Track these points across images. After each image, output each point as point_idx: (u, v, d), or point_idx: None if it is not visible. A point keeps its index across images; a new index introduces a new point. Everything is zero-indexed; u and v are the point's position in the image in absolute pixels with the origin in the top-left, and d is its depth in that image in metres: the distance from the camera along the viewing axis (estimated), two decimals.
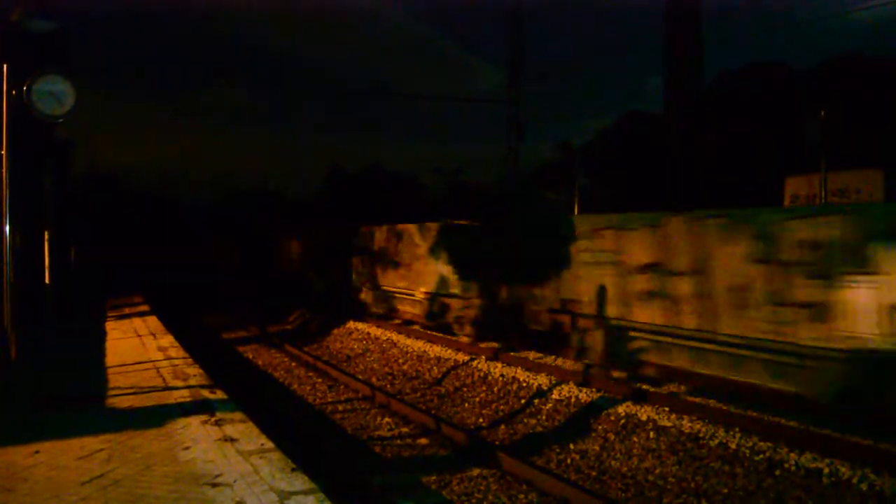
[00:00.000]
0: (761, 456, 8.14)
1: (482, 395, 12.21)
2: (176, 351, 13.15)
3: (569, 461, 8.94)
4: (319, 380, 14.24)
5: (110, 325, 17.67)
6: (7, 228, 9.65)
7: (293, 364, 16.26)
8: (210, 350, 17.00)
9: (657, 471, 8.38)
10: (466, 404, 11.93)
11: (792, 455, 8.02)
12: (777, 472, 7.79)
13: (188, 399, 8.95)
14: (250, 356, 17.61)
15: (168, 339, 14.71)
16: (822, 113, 19.74)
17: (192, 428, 7.49)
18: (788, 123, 27.06)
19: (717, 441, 8.66)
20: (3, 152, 9.64)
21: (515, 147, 37.90)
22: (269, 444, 6.77)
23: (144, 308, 22.74)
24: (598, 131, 47.34)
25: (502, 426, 10.56)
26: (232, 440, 6.96)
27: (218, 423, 7.64)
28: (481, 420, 10.97)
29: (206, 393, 9.30)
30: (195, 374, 10.75)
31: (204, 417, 7.90)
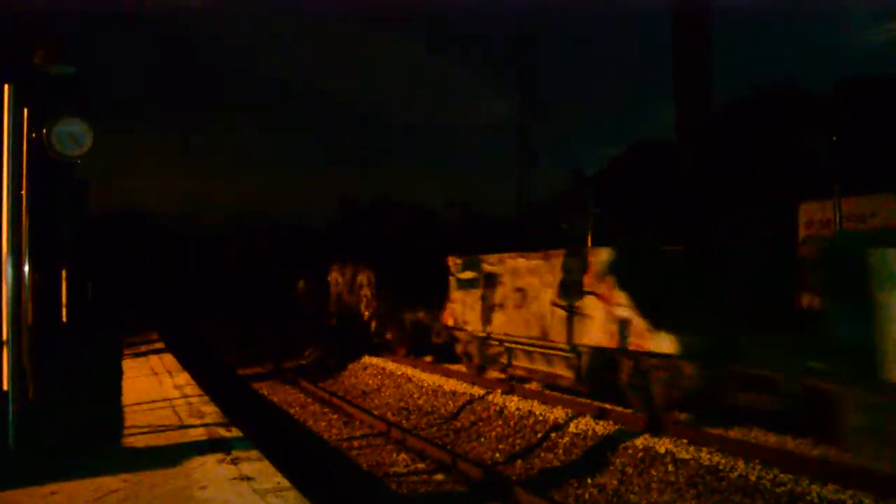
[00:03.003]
0: (782, 488, 8.01)
1: (498, 429, 12.12)
2: (191, 388, 13.18)
3: (587, 496, 8.85)
4: (335, 416, 14.21)
5: (127, 363, 17.75)
6: (26, 268, 9.76)
7: (308, 400, 16.24)
8: (226, 387, 17.02)
9: None
10: (482, 439, 11.85)
11: (814, 487, 7.89)
12: None
13: (204, 437, 8.95)
14: (266, 392, 17.61)
15: (184, 377, 14.75)
16: (835, 137, 19.73)
17: (209, 467, 7.48)
18: (803, 147, 27.03)
19: (736, 473, 8.54)
20: (23, 192, 9.79)
21: (527, 176, 38.06)
22: (286, 483, 6.75)
23: (160, 345, 22.84)
24: (610, 159, 47.45)
25: (519, 461, 10.47)
26: (248, 479, 6.95)
27: (234, 462, 7.62)
28: (497, 455, 10.89)
29: (221, 431, 9.29)
30: (211, 411, 10.75)
31: (220, 456, 7.89)
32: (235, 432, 9.24)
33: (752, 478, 8.36)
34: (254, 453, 8.00)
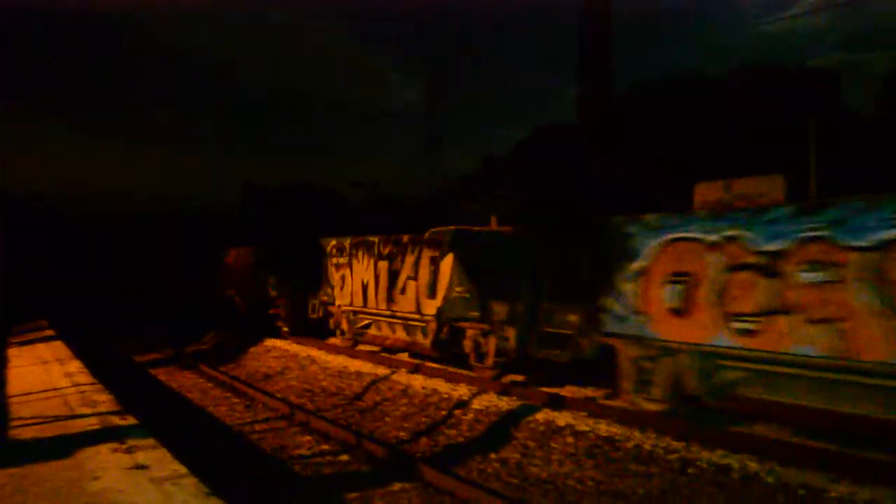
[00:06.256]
0: (675, 455, 8.40)
1: (403, 408, 12.18)
2: (84, 377, 12.64)
3: (490, 470, 9.00)
4: (237, 400, 13.94)
5: (12, 352, 16.80)
6: None
7: (209, 385, 15.86)
8: (122, 374, 16.42)
9: (576, 475, 8.52)
10: (388, 418, 11.87)
11: (704, 453, 8.32)
12: (690, 470, 8.05)
13: (97, 427, 8.61)
14: (164, 379, 17.09)
15: (76, 365, 14.13)
16: (729, 121, 20.66)
17: (102, 457, 7.21)
18: (699, 131, 28.11)
19: (632, 443, 8.89)
20: None
21: (434, 159, 38.19)
22: (183, 470, 6.57)
23: (50, 333, 21.80)
24: (516, 142, 48.10)
25: (424, 438, 10.55)
26: (144, 467, 6.73)
27: (129, 451, 7.37)
28: (403, 433, 10.94)
29: (115, 419, 8.97)
30: (104, 400, 10.35)
31: (114, 445, 7.61)
32: (131, 420, 8.93)
33: (647, 446, 8.72)
34: (150, 441, 7.76)
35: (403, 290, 15.76)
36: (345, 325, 18.96)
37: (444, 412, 11.44)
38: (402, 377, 13.57)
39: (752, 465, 7.80)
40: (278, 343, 19.54)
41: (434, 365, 14.21)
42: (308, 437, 10.74)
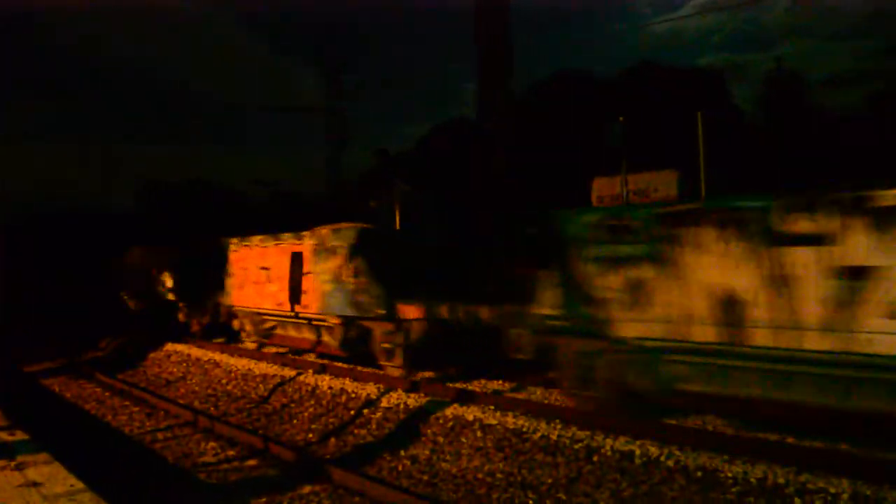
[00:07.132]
0: (580, 444, 8.61)
1: (311, 409, 12.03)
2: None
3: (400, 468, 9.01)
4: (136, 408, 13.43)
5: None
6: None
7: (107, 394, 15.22)
8: (9, 387, 15.56)
9: (486, 468, 8.64)
10: (295, 420, 11.71)
11: (608, 441, 8.58)
12: (595, 458, 8.27)
13: None
14: (58, 389, 16.29)
15: None
16: (621, 118, 21.30)
17: None
18: (595, 128, 28.89)
19: (539, 434, 9.07)
20: None
21: (337, 156, 37.85)
22: (80, 485, 6.29)
23: None
24: (417, 138, 48.20)
25: (332, 439, 10.46)
26: (36, 484, 6.41)
27: (19, 468, 7.00)
28: (311, 435, 10.81)
29: (3, 435, 8.50)
30: None
31: (2, 463, 7.21)
32: (20, 435, 8.49)
33: (554, 437, 8.91)
34: (42, 456, 7.39)
35: None
36: (643, 383, 9.44)
37: (352, 412, 11.37)
38: (308, 378, 13.39)
39: (653, 451, 8.09)
40: (179, 347, 18.94)
41: (341, 365, 12.98)
42: (213, 444, 10.46)
